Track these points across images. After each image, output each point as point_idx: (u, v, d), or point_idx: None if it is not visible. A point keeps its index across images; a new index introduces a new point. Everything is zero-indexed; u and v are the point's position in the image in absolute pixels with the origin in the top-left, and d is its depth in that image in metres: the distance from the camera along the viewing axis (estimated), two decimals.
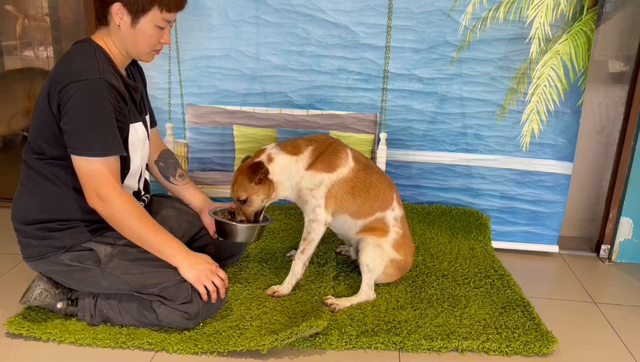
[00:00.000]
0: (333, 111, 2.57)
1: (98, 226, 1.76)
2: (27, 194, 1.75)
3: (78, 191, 1.70)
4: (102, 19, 1.72)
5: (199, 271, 1.74)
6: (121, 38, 1.71)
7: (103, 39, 1.73)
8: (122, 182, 1.77)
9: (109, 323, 1.82)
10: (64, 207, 1.73)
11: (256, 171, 1.90)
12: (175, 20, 1.77)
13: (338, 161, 2.00)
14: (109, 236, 1.77)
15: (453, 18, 2.41)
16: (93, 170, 1.62)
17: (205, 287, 1.74)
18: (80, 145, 1.61)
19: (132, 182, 1.85)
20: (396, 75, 2.50)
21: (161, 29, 1.72)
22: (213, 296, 1.75)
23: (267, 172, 1.92)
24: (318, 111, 2.58)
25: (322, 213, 1.99)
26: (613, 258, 2.59)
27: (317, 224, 2.00)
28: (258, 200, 1.95)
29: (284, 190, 1.99)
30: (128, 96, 1.73)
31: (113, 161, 1.65)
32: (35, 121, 1.71)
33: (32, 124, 1.74)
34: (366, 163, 2.09)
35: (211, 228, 2.04)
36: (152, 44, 1.74)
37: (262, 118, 2.59)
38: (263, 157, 1.95)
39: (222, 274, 1.79)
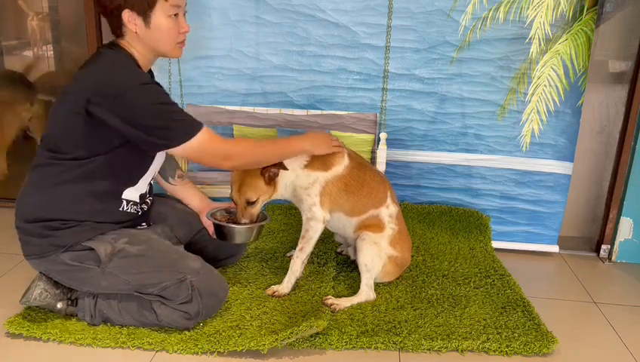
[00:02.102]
0: (333, 111, 2.57)
1: (99, 226, 1.76)
2: (35, 192, 1.75)
3: (89, 191, 1.72)
4: (118, 31, 1.73)
5: (323, 142, 1.97)
6: (142, 42, 1.73)
7: (126, 46, 1.74)
8: (136, 183, 1.82)
9: (109, 323, 1.82)
10: (71, 206, 1.73)
11: (264, 172, 1.91)
12: (186, 4, 1.77)
13: (333, 159, 2.01)
14: (110, 236, 1.77)
15: (453, 18, 2.41)
16: (201, 147, 1.71)
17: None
18: (174, 137, 1.68)
19: (144, 184, 1.86)
20: (396, 75, 2.50)
21: (175, 16, 1.72)
22: (339, 149, 2.01)
23: (277, 172, 1.94)
24: (318, 111, 2.58)
25: (319, 210, 2.00)
26: (614, 258, 2.59)
27: (314, 222, 2.00)
28: (263, 200, 1.96)
29: (282, 189, 2.00)
30: None
31: (205, 128, 1.72)
32: (57, 122, 1.72)
33: (51, 125, 1.74)
34: (360, 161, 2.10)
35: (211, 228, 2.04)
36: (173, 36, 1.75)
37: (262, 118, 2.59)
38: None
39: (334, 137, 2.05)
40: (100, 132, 1.67)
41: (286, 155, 1.92)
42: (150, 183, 1.93)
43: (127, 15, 1.67)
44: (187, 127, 1.69)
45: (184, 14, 1.77)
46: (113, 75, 1.66)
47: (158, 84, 1.73)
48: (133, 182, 1.82)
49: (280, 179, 1.97)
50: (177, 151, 1.71)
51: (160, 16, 1.69)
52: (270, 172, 1.92)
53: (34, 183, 1.76)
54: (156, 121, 1.66)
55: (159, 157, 1.87)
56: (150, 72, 1.91)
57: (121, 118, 1.63)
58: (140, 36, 1.71)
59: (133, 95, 1.63)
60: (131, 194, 1.82)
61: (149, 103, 1.65)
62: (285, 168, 1.93)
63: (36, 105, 3.06)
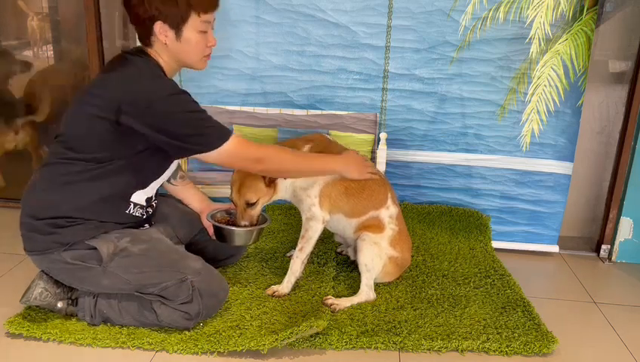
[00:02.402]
0: (333, 111, 2.57)
1: (103, 225, 1.76)
2: (45, 189, 1.74)
3: (100, 191, 1.73)
4: (147, 40, 1.74)
5: (356, 167, 1.98)
6: (170, 53, 1.75)
7: (153, 54, 1.75)
8: (147, 186, 1.83)
9: (109, 323, 1.82)
10: (79, 205, 1.73)
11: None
12: (214, 20, 1.79)
13: None
14: (113, 234, 1.77)
15: (453, 18, 2.41)
16: (234, 150, 1.74)
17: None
18: (209, 142, 1.71)
19: (153, 188, 1.87)
20: (396, 75, 2.50)
21: (205, 32, 1.74)
22: (375, 177, 2.04)
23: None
24: (319, 111, 2.58)
25: (318, 210, 2.00)
26: (614, 258, 2.59)
27: (314, 222, 2.01)
28: (263, 202, 1.96)
29: (283, 190, 2.00)
30: None
31: (235, 134, 1.76)
32: (78, 124, 1.72)
33: (70, 125, 1.74)
34: None
35: (211, 229, 2.04)
36: (201, 49, 1.77)
37: (262, 118, 2.59)
38: None
39: (368, 161, 2.09)
40: (125, 137, 1.69)
41: (317, 173, 1.96)
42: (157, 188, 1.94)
43: (159, 26, 1.69)
44: (219, 132, 1.72)
45: (212, 29, 1.79)
46: (144, 84, 1.67)
47: (186, 92, 1.73)
48: (144, 186, 1.83)
49: (280, 181, 1.97)
50: (212, 156, 1.72)
51: (191, 30, 1.71)
52: None
53: (44, 180, 1.76)
54: (189, 129, 1.68)
55: (175, 163, 1.91)
56: None
57: (153, 127, 1.65)
58: (168, 47, 1.73)
59: (165, 104, 1.65)
60: (139, 197, 1.83)
61: (180, 112, 1.67)
62: None
63: (22, 132, 2.97)
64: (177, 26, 1.70)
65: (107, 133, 1.68)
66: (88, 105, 1.69)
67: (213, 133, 1.71)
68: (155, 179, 1.85)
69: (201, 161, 1.78)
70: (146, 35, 1.73)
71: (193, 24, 1.71)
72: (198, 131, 1.69)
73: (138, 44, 1.79)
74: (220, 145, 1.71)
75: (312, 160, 1.96)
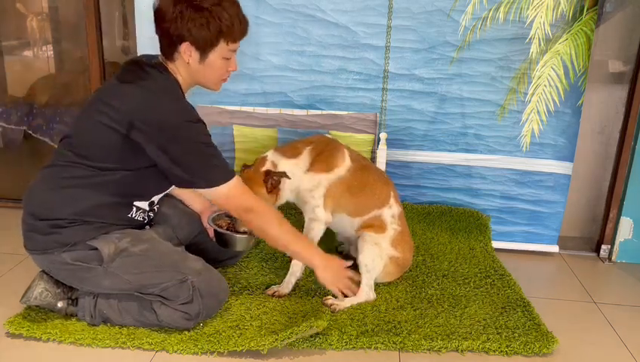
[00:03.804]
0: (333, 111, 2.57)
1: (104, 226, 1.76)
2: (47, 190, 1.74)
3: (102, 196, 1.72)
4: (169, 56, 1.72)
5: (334, 273, 1.90)
6: (190, 73, 1.73)
7: (172, 70, 1.73)
8: (150, 199, 1.83)
9: (109, 323, 1.82)
10: (81, 208, 1.72)
11: (267, 180, 1.92)
12: (239, 47, 1.78)
13: (335, 161, 2.01)
14: (114, 235, 1.76)
15: (453, 18, 2.41)
16: (229, 194, 1.72)
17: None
18: (208, 179, 1.69)
19: (155, 199, 1.87)
20: (396, 75, 2.50)
21: (228, 59, 1.74)
22: (347, 292, 1.94)
23: (279, 180, 1.93)
24: (318, 112, 2.58)
25: (321, 212, 2.00)
26: (614, 258, 2.59)
27: (317, 223, 2.01)
28: None
29: (285, 194, 2.00)
30: None
31: (237, 178, 1.74)
32: (87, 131, 1.71)
33: (79, 130, 1.73)
34: (363, 162, 2.10)
35: (211, 231, 2.04)
36: (221, 74, 1.77)
37: (262, 118, 2.59)
38: (268, 166, 1.96)
39: (350, 274, 1.95)
40: (133, 152, 1.67)
41: (294, 254, 1.91)
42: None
43: (185, 47, 1.67)
44: (224, 172, 1.71)
45: (235, 54, 1.77)
46: (162, 105, 1.65)
47: (202, 121, 1.71)
48: (147, 198, 1.83)
49: (284, 185, 1.97)
50: (207, 192, 1.71)
51: (217, 56, 1.71)
52: (273, 180, 1.92)
53: (47, 181, 1.75)
54: (194, 160, 1.67)
55: None
56: None
57: (160, 149, 1.64)
58: (190, 67, 1.71)
59: (179, 130, 1.64)
60: (142, 203, 1.83)
61: (191, 141, 1.66)
62: (288, 177, 1.93)
63: None
64: (204, 50, 1.68)
65: (115, 144, 1.67)
66: (100, 113, 1.67)
67: (217, 172, 1.70)
68: (157, 194, 1.86)
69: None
70: (171, 51, 1.70)
71: (220, 51, 1.70)
72: (204, 164, 1.68)
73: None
74: (216, 185, 1.69)
75: (296, 242, 1.85)
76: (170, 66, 1.73)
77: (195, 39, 1.66)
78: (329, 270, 1.90)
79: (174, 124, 1.64)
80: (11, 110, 3.10)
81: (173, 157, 1.65)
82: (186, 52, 1.68)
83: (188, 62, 1.70)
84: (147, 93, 1.67)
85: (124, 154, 1.69)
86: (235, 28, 1.69)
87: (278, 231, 1.81)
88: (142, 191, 1.80)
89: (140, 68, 1.72)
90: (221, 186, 1.69)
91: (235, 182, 1.72)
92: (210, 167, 1.69)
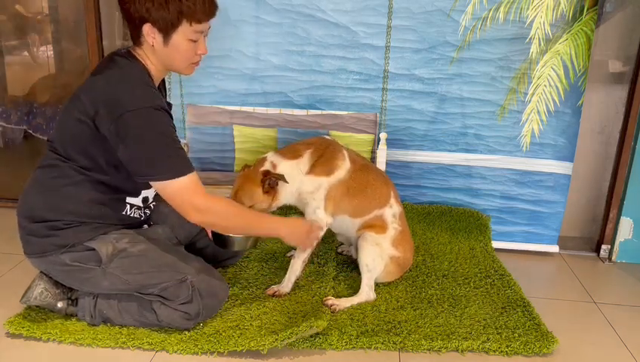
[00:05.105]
0: (333, 111, 2.57)
1: (101, 226, 1.76)
2: (39, 192, 1.74)
3: (93, 195, 1.71)
4: (136, 40, 1.70)
5: (300, 235, 1.92)
6: (157, 56, 1.71)
7: (141, 56, 1.72)
8: (139, 195, 1.82)
9: (109, 323, 1.82)
10: (74, 208, 1.72)
11: (265, 180, 1.91)
12: (209, 28, 1.74)
13: (336, 163, 2.01)
14: (112, 235, 1.76)
15: (453, 18, 2.41)
16: (178, 190, 1.63)
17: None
18: (155, 172, 1.62)
19: (147, 195, 1.86)
20: (396, 75, 2.50)
21: (195, 41, 1.70)
22: (314, 243, 2.00)
23: (276, 182, 1.92)
24: (318, 111, 2.58)
25: (322, 214, 2.00)
26: (614, 258, 2.59)
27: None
28: (260, 208, 1.94)
29: (285, 197, 1.99)
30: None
31: (193, 175, 1.65)
32: (67, 130, 1.69)
33: (59, 128, 1.73)
34: (362, 163, 2.10)
35: (209, 231, 2.04)
36: (188, 57, 1.72)
37: (262, 118, 2.59)
38: (267, 166, 1.95)
39: (315, 227, 1.97)
40: (104, 144, 1.64)
41: (259, 232, 1.89)
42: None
43: (147, 28, 1.64)
44: (177, 165, 1.62)
45: (205, 37, 1.74)
46: (124, 89, 1.62)
47: (168, 112, 1.68)
48: (136, 194, 1.82)
49: (282, 188, 1.96)
50: (156, 186, 1.64)
51: (180, 37, 1.66)
52: (270, 180, 1.91)
53: (38, 183, 1.75)
54: (149, 149, 1.61)
55: None
56: (163, 81, 1.89)
57: (118, 136, 1.59)
58: (155, 50, 1.69)
59: (138, 116, 1.58)
60: (134, 200, 1.82)
61: (150, 130, 1.60)
62: (286, 181, 1.92)
63: None
64: (166, 31, 1.64)
65: (86, 138, 1.64)
66: (73, 108, 1.67)
67: (168, 164, 1.61)
68: (146, 188, 1.82)
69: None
70: (136, 35, 1.69)
71: (184, 32, 1.65)
72: (158, 155, 1.61)
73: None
74: (169, 178, 1.61)
75: (256, 220, 1.83)
76: (139, 52, 1.71)
77: (155, 20, 1.62)
78: (296, 235, 1.92)
79: (134, 108, 1.57)
80: (11, 110, 3.10)
81: (128, 145, 1.59)
82: (149, 34, 1.65)
83: (153, 45, 1.67)
84: (109, 79, 1.65)
85: (96, 149, 1.66)
86: (198, 8, 1.63)
87: (234, 222, 1.76)
88: (129, 187, 1.77)
89: (109, 58, 1.72)
90: (174, 180, 1.61)
91: (189, 180, 1.63)
92: (167, 159, 1.62)
